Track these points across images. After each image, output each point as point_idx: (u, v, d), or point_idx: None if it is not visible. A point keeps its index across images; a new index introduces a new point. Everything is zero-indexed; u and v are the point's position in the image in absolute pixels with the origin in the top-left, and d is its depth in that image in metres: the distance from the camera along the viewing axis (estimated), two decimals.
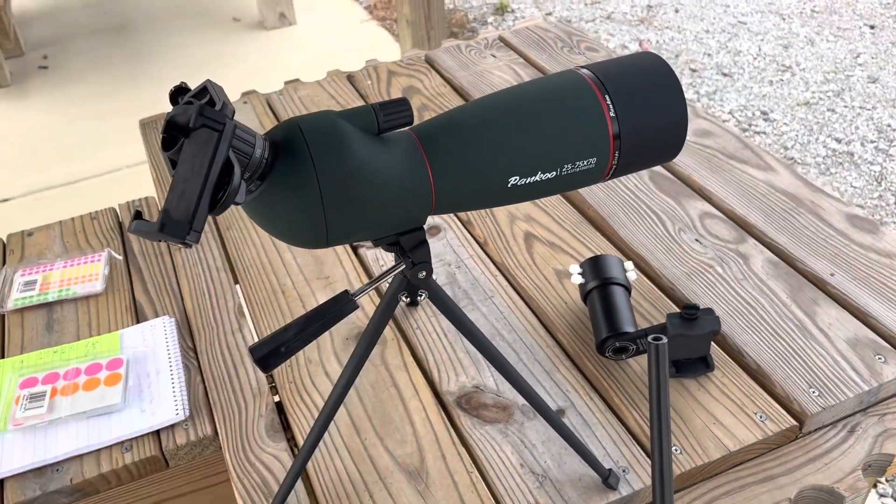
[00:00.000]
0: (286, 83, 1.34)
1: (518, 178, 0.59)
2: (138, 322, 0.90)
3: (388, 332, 0.86)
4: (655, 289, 0.89)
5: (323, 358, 0.84)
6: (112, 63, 3.00)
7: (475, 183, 0.58)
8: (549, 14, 3.25)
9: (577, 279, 0.84)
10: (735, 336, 0.82)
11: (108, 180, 2.38)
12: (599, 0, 3.38)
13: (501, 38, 1.41)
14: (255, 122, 1.23)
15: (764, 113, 2.66)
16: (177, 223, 0.44)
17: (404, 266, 0.62)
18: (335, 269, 0.95)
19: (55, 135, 2.60)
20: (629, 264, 0.85)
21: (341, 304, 0.61)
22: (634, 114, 0.60)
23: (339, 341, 0.85)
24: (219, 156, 0.46)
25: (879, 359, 0.79)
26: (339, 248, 0.98)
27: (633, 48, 3.02)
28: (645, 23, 3.19)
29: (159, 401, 0.79)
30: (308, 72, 3.00)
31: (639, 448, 0.72)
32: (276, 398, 0.82)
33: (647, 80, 0.62)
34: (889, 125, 2.56)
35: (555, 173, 0.60)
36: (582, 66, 0.63)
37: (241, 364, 0.84)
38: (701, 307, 0.76)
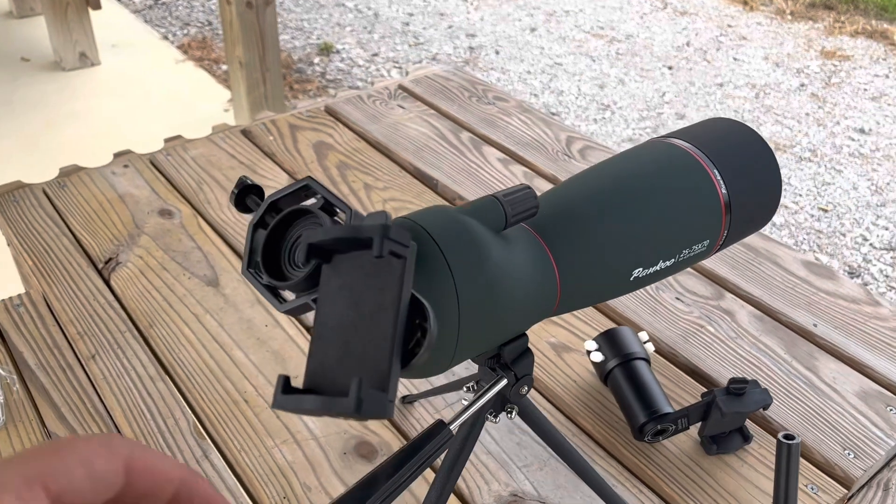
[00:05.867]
0: (166, 141, 1.16)
1: (641, 269, 0.51)
2: None
3: (393, 440, 0.74)
4: (658, 355, 0.84)
5: (322, 481, 0.69)
6: None
7: (600, 279, 0.50)
8: (376, 55, 3.20)
9: (597, 356, 0.77)
10: None
11: None
12: (422, 42, 3.39)
13: (402, 87, 1.32)
14: (146, 188, 1.04)
15: None
16: (376, 399, 0.30)
17: (506, 382, 0.51)
18: (301, 365, 0.81)
19: None
20: (643, 334, 0.79)
21: (440, 438, 0.49)
22: (741, 187, 0.55)
23: (336, 456, 0.72)
24: (405, 294, 0.32)
25: (891, 410, 0.79)
26: (302, 340, 0.84)
27: None
28: (470, 64, 3.24)
29: None
30: (124, 119, 2.70)
31: None
32: None
33: (742, 148, 0.56)
34: None
35: (673, 261, 0.52)
36: (670, 136, 0.56)
37: None
38: (748, 379, 0.72)
